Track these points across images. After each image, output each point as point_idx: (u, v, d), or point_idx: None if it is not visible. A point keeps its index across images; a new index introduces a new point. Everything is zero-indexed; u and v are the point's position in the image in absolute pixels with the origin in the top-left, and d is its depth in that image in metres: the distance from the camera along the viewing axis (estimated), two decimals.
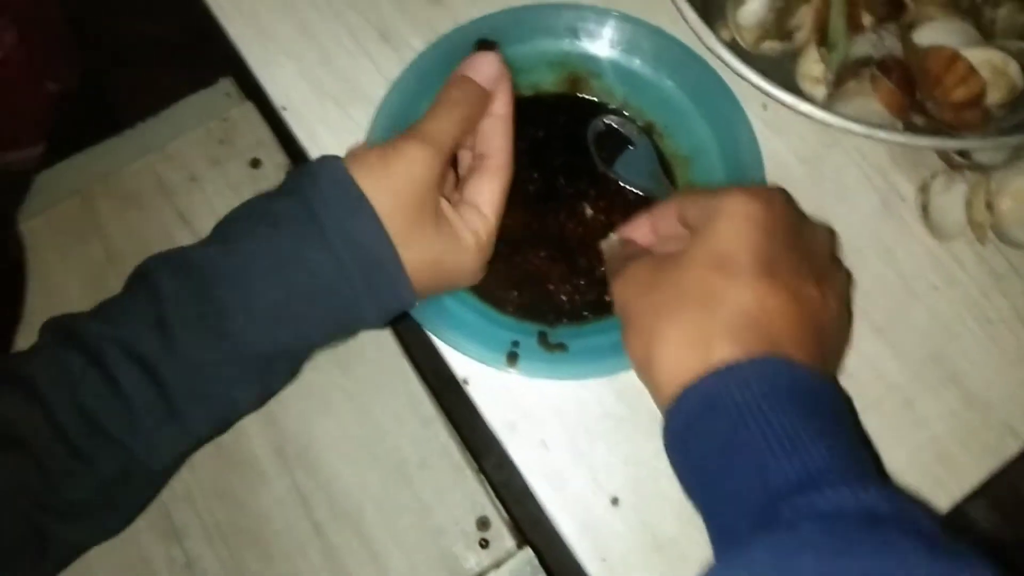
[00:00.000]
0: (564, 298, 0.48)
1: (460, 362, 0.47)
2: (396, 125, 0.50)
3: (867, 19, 0.49)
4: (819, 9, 0.48)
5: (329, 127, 0.52)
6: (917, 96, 0.46)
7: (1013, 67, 0.45)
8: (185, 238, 0.73)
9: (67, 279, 0.71)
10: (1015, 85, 0.46)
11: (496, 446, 0.48)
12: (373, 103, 0.50)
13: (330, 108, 0.53)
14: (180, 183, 0.74)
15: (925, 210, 0.50)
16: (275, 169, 0.75)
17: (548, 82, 0.53)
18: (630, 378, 0.47)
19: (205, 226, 0.72)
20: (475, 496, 0.67)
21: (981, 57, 0.45)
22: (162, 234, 0.73)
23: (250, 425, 0.68)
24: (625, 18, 0.51)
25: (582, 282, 0.48)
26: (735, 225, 0.36)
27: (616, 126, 0.51)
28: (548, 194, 0.50)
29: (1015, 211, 0.50)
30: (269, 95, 0.53)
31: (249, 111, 0.77)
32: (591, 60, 0.52)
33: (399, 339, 0.71)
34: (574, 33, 0.52)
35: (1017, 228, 0.50)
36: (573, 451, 0.47)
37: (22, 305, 0.68)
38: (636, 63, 0.51)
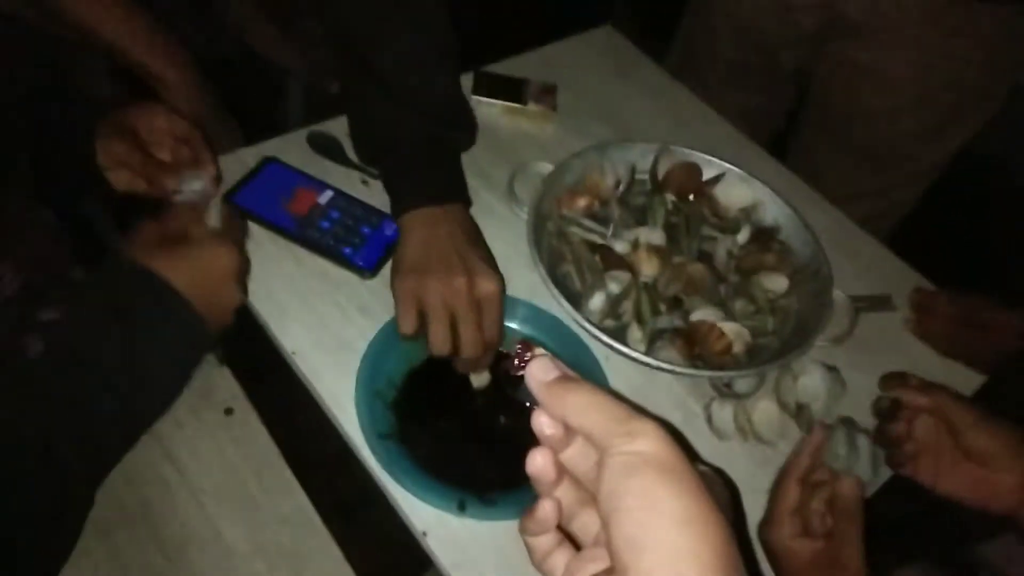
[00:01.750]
0: (492, 475, 0.72)
1: (420, 517, 0.69)
2: (374, 367, 0.75)
3: (663, 308, 0.82)
4: (635, 303, 0.81)
5: (326, 367, 0.77)
6: (696, 349, 0.78)
7: (745, 332, 0.79)
8: (170, 472, 0.90)
9: None
10: (748, 342, 0.79)
11: None
12: (357, 353, 0.76)
13: (326, 356, 0.78)
14: (166, 427, 0.93)
15: (709, 421, 0.80)
16: (244, 415, 0.96)
17: None
18: None
19: (188, 462, 0.91)
20: None
21: (728, 327, 0.78)
22: (150, 468, 0.90)
23: None
24: (521, 302, 0.82)
25: (502, 465, 0.73)
26: None
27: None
28: (472, 411, 0.76)
29: (763, 421, 0.81)
30: (282, 346, 0.78)
31: (225, 374, 0.99)
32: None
33: (341, 546, 0.89)
34: None
35: (766, 431, 0.80)
36: None
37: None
38: (528, 329, 0.81)
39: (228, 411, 0.97)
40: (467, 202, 0.83)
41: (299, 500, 0.91)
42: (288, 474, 0.93)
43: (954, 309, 0.91)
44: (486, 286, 0.73)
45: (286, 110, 1.65)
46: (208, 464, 0.92)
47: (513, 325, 0.82)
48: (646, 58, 1.21)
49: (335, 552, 0.89)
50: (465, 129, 0.90)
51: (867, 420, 0.84)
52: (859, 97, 1.14)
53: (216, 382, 0.99)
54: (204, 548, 0.86)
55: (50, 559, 0.60)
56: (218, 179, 0.84)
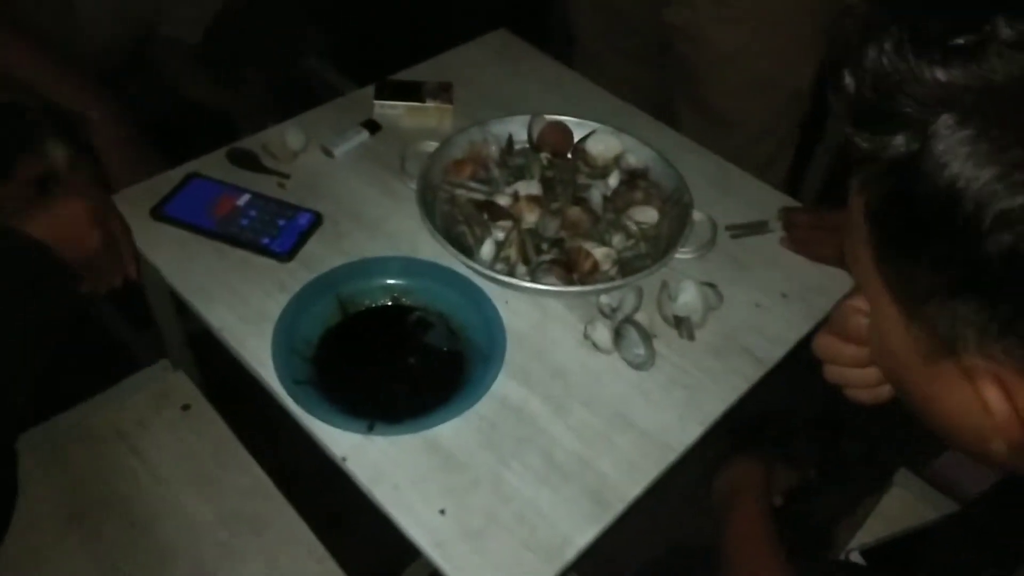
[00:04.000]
0: (398, 404, 0.82)
1: (338, 446, 0.78)
2: (290, 327, 0.86)
3: (545, 247, 0.93)
4: (519, 245, 0.92)
5: (250, 336, 0.87)
6: (573, 275, 0.89)
7: (612, 253, 0.89)
8: (136, 463, 1.00)
9: (45, 497, 0.96)
10: (615, 260, 0.89)
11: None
12: (273, 320, 0.87)
13: (249, 327, 0.88)
14: (129, 426, 1.04)
15: (588, 337, 0.89)
16: (200, 409, 1.06)
17: (380, 299, 0.92)
18: (438, 439, 0.79)
19: (152, 454, 1.01)
20: None
21: (596, 249, 0.89)
22: (119, 464, 1.00)
23: None
24: (418, 260, 0.93)
25: (408, 396, 0.83)
26: None
27: (424, 315, 0.90)
28: (385, 357, 0.87)
29: (630, 336, 0.89)
30: (211, 324, 0.88)
31: (180, 376, 1.10)
32: (403, 285, 0.92)
33: (297, 509, 0.98)
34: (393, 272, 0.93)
35: (628, 351, 0.89)
36: (413, 488, 0.77)
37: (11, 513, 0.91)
38: (429, 283, 0.92)
39: (185, 407, 1.07)
40: None
41: (255, 473, 1.01)
42: (243, 453, 1.03)
43: (812, 217, 1.01)
44: None
45: None
46: (170, 452, 1.02)
47: (419, 283, 0.92)
48: (539, 52, 1.33)
49: (291, 513, 0.98)
50: None
51: (747, 322, 0.94)
52: (690, 58, 1.27)
53: (173, 384, 1.10)
54: (171, 522, 0.95)
55: None
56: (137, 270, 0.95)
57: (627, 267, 0.92)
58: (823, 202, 1.19)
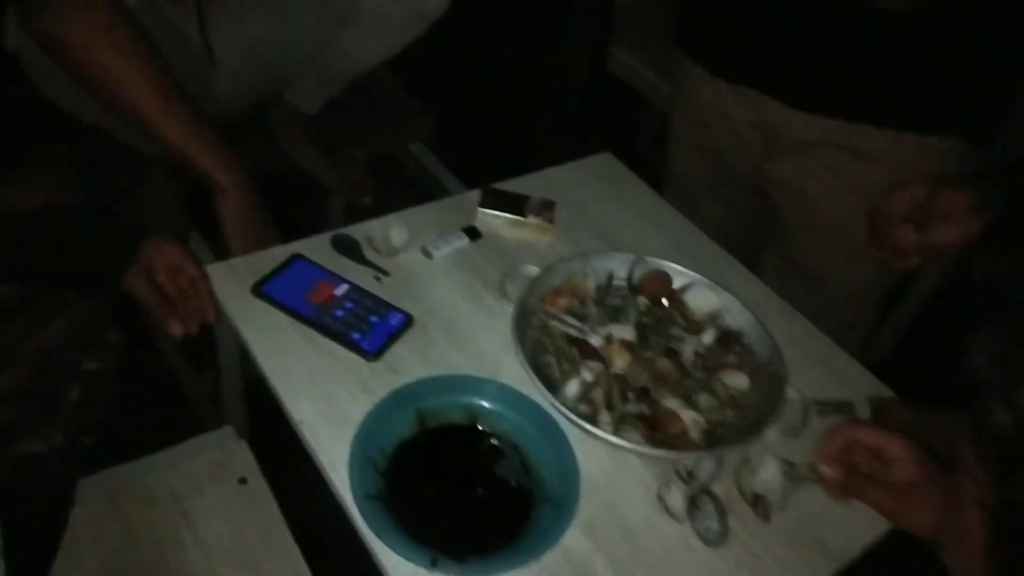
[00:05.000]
0: (466, 539, 0.80)
1: (396, 569, 0.77)
2: (369, 437, 0.85)
3: (631, 396, 0.91)
4: (606, 390, 0.91)
5: (327, 436, 0.87)
6: (657, 434, 0.87)
7: (702, 420, 0.88)
8: (185, 532, 1.00)
9: (93, 549, 0.95)
10: (705, 429, 0.88)
11: None
12: (355, 424, 0.87)
13: (328, 426, 0.88)
14: (186, 489, 1.04)
15: (662, 500, 0.87)
16: (257, 486, 1.06)
17: (458, 418, 0.91)
18: None
19: (202, 524, 1.00)
20: None
21: (686, 414, 0.87)
22: (168, 527, 1.00)
23: None
24: (503, 386, 0.92)
25: (476, 531, 0.81)
26: None
27: (497, 444, 0.89)
28: (454, 481, 0.86)
29: (706, 508, 0.87)
30: (291, 415, 0.88)
31: (243, 447, 1.10)
32: (483, 407, 0.91)
33: None
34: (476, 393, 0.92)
35: (701, 523, 0.86)
36: None
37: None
38: (509, 411, 0.91)
39: (242, 481, 1.07)
40: None
41: (299, 567, 1.00)
42: (291, 541, 1.02)
43: (909, 417, 0.98)
44: None
45: (328, 220, 1.83)
46: (219, 526, 1.01)
47: (499, 408, 0.92)
48: (640, 180, 1.35)
49: None
50: None
51: (826, 511, 0.91)
52: (784, 215, 1.27)
53: (234, 454, 1.10)
54: None
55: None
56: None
57: (711, 432, 0.90)
58: (888, 371, 1.14)
